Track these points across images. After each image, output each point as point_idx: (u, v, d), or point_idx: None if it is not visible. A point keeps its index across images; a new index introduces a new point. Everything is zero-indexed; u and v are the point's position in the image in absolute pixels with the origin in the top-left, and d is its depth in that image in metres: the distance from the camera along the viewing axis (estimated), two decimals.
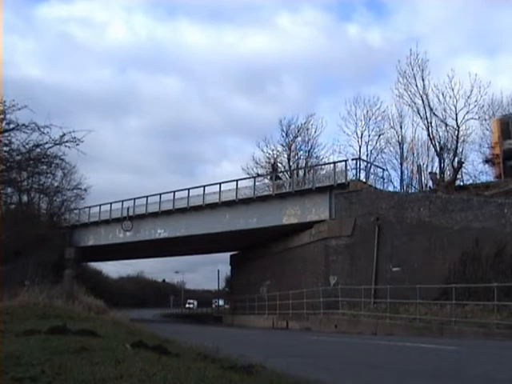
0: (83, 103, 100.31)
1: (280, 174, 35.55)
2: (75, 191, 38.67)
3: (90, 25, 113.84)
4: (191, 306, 79.15)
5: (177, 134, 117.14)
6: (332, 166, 26.68)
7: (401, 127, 35.68)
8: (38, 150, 18.81)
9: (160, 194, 33.77)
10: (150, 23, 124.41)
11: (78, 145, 17.67)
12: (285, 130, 42.58)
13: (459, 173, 26.24)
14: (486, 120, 28.50)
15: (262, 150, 41.92)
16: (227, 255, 41.49)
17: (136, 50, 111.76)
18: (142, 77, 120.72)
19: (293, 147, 41.46)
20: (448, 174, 27.01)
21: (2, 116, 17.44)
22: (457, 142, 23.93)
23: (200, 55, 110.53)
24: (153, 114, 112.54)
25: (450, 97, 24.63)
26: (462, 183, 26.16)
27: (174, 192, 33.17)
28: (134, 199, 34.84)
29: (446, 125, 24.49)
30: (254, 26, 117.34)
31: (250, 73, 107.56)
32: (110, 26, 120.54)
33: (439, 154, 24.17)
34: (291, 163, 40.39)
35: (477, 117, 26.82)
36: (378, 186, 26.36)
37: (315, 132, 41.62)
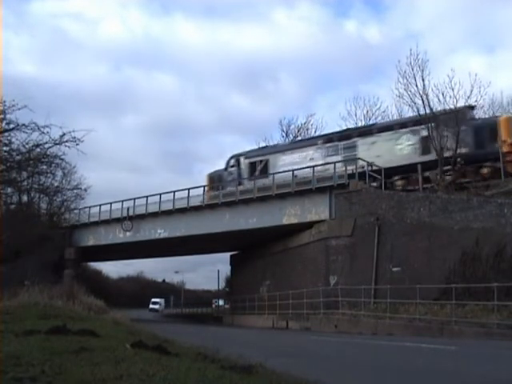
0: (79, 101, 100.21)
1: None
2: (75, 191, 38.72)
3: (84, 20, 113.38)
4: (156, 306, 67.23)
5: (174, 131, 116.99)
6: (332, 165, 26.62)
7: None
8: (38, 149, 18.83)
9: (160, 194, 33.75)
10: (144, 19, 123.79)
11: (77, 144, 17.71)
12: (285, 129, 42.79)
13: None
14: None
15: None
16: (227, 255, 41.45)
17: (131, 46, 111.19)
18: (138, 74, 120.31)
19: None
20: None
21: (1, 116, 17.46)
22: (457, 141, 23.88)
23: (196, 52, 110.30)
24: (149, 111, 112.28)
25: (450, 97, 24.59)
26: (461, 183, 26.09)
27: (174, 192, 33.16)
28: (134, 199, 34.78)
29: (447, 125, 24.43)
30: (250, 22, 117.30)
31: (247, 70, 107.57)
32: (105, 21, 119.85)
33: (439, 154, 24.12)
34: None
35: (477, 117, 26.88)
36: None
37: (315, 132, 41.79)
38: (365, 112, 39.26)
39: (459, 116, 23.94)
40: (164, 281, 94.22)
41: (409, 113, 28.17)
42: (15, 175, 20.59)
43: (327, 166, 26.18)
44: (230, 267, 42.39)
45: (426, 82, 25.80)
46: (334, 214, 25.34)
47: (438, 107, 25.41)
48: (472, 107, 25.51)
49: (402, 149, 24.99)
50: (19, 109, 17.00)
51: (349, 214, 24.48)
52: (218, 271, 54.43)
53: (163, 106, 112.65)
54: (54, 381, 4.05)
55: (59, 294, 17.58)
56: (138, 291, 79.86)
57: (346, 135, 28.04)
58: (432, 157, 23.74)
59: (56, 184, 31.77)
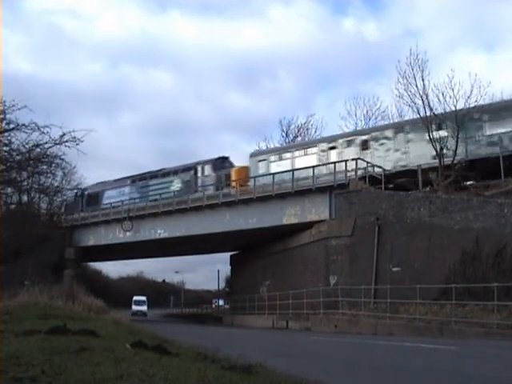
0: (75, 99, 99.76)
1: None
2: (75, 191, 38.91)
3: (79, 17, 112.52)
4: (144, 308, 52.85)
5: (172, 130, 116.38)
6: (332, 165, 26.62)
7: None
8: (38, 149, 18.85)
9: (160, 194, 33.86)
10: (141, 16, 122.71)
11: (77, 144, 17.72)
12: (285, 129, 42.87)
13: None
14: None
15: None
16: (227, 255, 41.46)
17: (128, 43, 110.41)
18: (135, 71, 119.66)
19: None
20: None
21: (1, 116, 17.47)
22: (457, 141, 23.90)
23: (193, 49, 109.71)
24: (147, 109, 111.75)
25: (450, 97, 24.64)
26: (461, 183, 26.10)
27: (174, 192, 33.29)
28: (134, 199, 34.88)
29: (446, 125, 24.45)
30: (247, 20, 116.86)
31: (245, 68, 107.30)
32: (101, 18, 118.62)
33: (439, 154, 24.13)
34: None
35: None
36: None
37: (315, 132, 41.92)
38: (365, 112, 39.35)
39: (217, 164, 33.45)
40: (164, 281, 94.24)
41: (409, 113, 28.26)
42: (15, 175, 20.60)
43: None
44: (230, 267, 42.39)
45: (426, 82, 25.86)
46: (334, 214, 25.34)
47: (437, 107, 25.50)
48: (226, 158, 34.77)
49: (173, 190, 33.99)
50: (19, 109, 17.03)
51: (349, 213, 24.48)
52: (218, 271, 54.42)
53: (161, 104, 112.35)
54: (53, 381, 4.05)
55: (59, 294, 17.59)
56: (138, 291, 79.83)
57: (143, 177, 37.21)
58: (199, 195, 31.93)
59: (56, 184, 31.87)
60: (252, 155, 32.01)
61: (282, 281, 29.12)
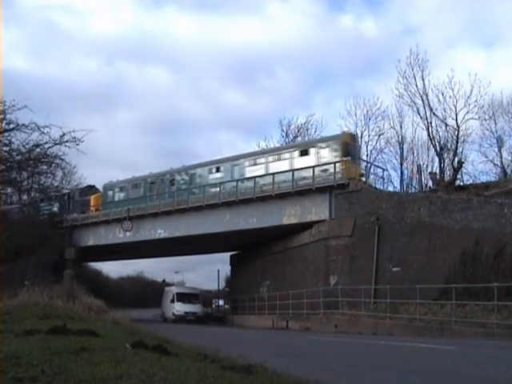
0: (71, 96, 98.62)
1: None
2: None
3: (74, 13, 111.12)
4: (195, 309, 36.33)
5: (168, 128, 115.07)
6: (332, 165, 26.61)
7: (401, 127, 35.74)
8: (38, 149, 18.81)
9: (159, 194, 33.94)
10: (136, 12, 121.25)
11: (78, 145, 17.69)
12: (285, 130, 42.79)
13: (459, 173, 26.28)
14: (485, 120, 28.64)
15: None
16: (227, 255, 41.44)
17: (123, 39, 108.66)
18: (131, 68, 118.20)
19: None
20: (448, 174, 27.06)
21: (1, 116, 17.46)
22: (457, 141, 24.05)
23: (189, 46, 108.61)
24: (143, 107, 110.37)
25: (450, 97, 24.87)
26: (461, 183, 26.16)
27: (174, 192, 33.30)
28: (134, 199, 34.92)
29: (446, 125, 24.62)
30: (243, 15, 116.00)
31: (242, 64, 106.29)
32: (95, 14, 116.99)
33: (439, 154, 24.27)
34: None
35: (477, 117, 27.32)
36: (378, 186, 26.34)
37: (315, 132, 41.79)
38: (365, 112, 39.27)
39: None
40: (164, 281, 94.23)
41: (409, 113, 28.38)
42: (15, 175, 20.58)
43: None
44: (230, 267, 42.37)
45: (426, 82, 25.99)
46: (334, 214, 25.34)
47: (437, 107, 25.60)
48: (92, 186, 40.35)
49: (54, 211, 39.13)
50: (19, 109, 17.01)
51: (349, 213, 24.47)
52: (218, 271, 54.31)
53: (157, 102, 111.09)
54: (53, 381, 4.05)
55: (59, 294, 17.59)
56: (138, 291, 79.82)
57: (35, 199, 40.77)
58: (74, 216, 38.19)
59: (56, 184, 31.82)
60: (104, 186, 38.84)
61: (281, 281, 29.12)
